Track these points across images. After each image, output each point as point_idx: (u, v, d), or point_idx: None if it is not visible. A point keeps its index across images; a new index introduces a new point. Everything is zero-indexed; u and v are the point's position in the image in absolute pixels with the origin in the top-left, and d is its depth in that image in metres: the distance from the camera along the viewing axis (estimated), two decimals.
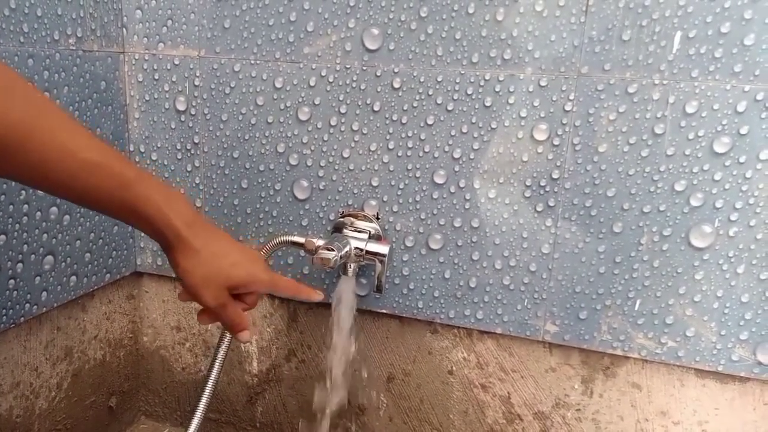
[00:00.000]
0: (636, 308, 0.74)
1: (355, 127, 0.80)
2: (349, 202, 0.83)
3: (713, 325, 0.72)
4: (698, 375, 0.75)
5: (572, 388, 0.81)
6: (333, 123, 0.81)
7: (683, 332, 0.73)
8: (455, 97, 0.75)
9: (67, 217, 0.81)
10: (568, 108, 0.71)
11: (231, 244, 0.59)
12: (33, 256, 0.77)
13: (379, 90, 0.78)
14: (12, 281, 0.74)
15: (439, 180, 0.78)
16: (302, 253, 0.86)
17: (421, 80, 0.76)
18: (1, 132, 0.42)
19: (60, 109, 0.47)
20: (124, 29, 0.87)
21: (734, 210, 0.68)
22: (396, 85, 0.77)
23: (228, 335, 0.78)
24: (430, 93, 0.76)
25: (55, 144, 0.45)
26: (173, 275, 0.95)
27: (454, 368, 0.86)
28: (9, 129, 0.42)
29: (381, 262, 0.79)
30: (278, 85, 0.82)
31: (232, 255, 0.58)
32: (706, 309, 0.72)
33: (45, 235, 0.78)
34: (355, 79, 0.79)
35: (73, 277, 0.84)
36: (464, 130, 0.76)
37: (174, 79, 0.87)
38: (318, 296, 0.66)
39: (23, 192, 0.74)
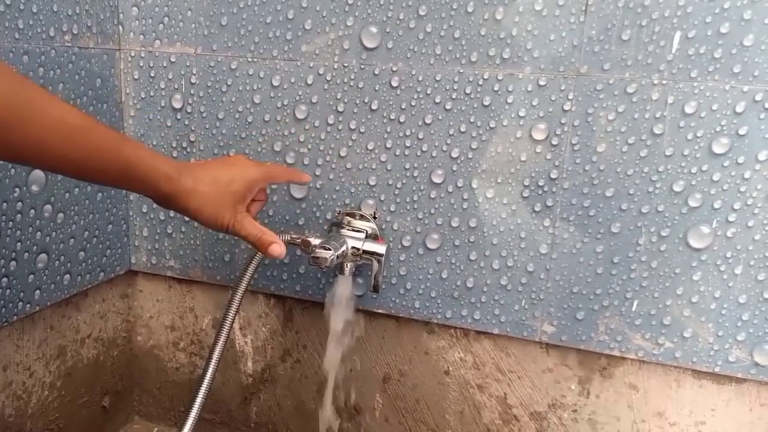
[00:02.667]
0: (633, 309, 0.74)
1: (352, 126, 0.80)
2: (347, 201, 0.83)
3: (710, 326, 0.72)
4: (695, 376, 0.75)
5: (569, 389, 0.81)
6: (330, 121, 0.81)
7: (680, 333, 0.73)
8: (454, 96, 0.75)
9: (61, 215, 0.80)
10: (566, 108, 0.71)
11: (218, 165, 0.63)
12: (26, 254, 0.76)
13: (377, 88, 0.78)
14: (5, 279, 0.73)
15: (436, 179, 0.78)
16: (299, 252, 0.85)
17: (420, 79, 0.76)
18: (3, 111, 0.43)
19: (35, 83, 0.49)
20: (120, 26, 0.87)
21: (732, 211, 0.68)
22: (394, 84, 0.77)
23: (223, 335, 0.78)
24: (429, 92, 0.76)
25: (52, 114, 0.47)
26: (168, 274, 0.95)
27: (450, 368, 0.85)
28: (10, 106, 0.44)
29: (378, 261, 0.79)
30: (275, 83, 0.82)
31: (224, 174, 0.62)
32: (703, 310, 0.71)
33: (38, 233, 0.77)
34: (353, 77, 0.78)
35: (67, 276, 0.83)
36: (462, 130, 0.76)
37: (170, 77, 0.87)
38: (307, 178, 0.75)
39: (17, 189, 0.73)
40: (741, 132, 0.66)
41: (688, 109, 0.67)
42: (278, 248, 0.64)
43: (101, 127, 0.52)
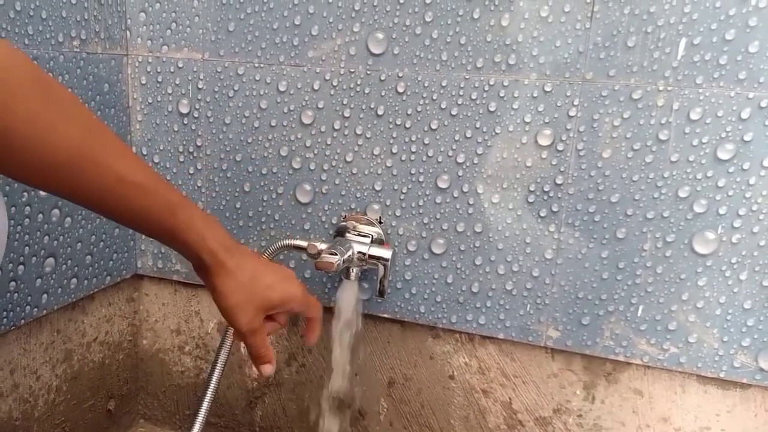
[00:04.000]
0: (639, 314, 0.74)
1: (358, 131, 0.80)
2: (352, 206, 0.83)
3: (715, 331, 0.72)
4: (700, 381, 0.75)
5: (574, 394, 0.81)
6: (336, 127, 0.81)
7: (685, 338, 0.73)
8: (459, 102, 0.75)
9: (68, 219, 0.81)
10: (572, 113, 0.72)
11: (266, 266, 0.60)
12: (34, 258, 0.76)
13: (383, 94, 0.78)
14: (13, 283, 0.74)
15: (442, 184, 0.78)
16: (304, 257, 0.86)
17: (426, 85, 0.76)
18: (60, 158, 0.43)
19: (111, 132, 0.48)
20: (128, 32, 0.87)
21: (738, 217, 0.68)
22: (400, 90, 0.77)
23: (229, 339, 0.78)
24: (435, 97, 0.76)
25: (109, 170, 0.46)
26: (174, 278, 0.95)
27: (455, 373, 0.85)
28: (67, 155, 0.43)
29: (383, 266, 0.79)
30: (282, 89, 0.82)
31: (267, 276, 0.59)
32: (708, 315, 0.72)
33: (46, 238, 0.78)
34: (359, 83, 0.79)
35: (74, 280, 0.84)
36: (468, 135, 0.76)
37: (177, 82, 0.87)
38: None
39: (25, 194, 0.73)
40: (746, 138, 0.66)
41: (694, 116, 0.67)
42: (270, 368, 0.63)
43: (161, 188, 0.51)
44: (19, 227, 0.73)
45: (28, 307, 0.77)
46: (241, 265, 0.57)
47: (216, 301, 0.59)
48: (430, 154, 0.78)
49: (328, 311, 0.82)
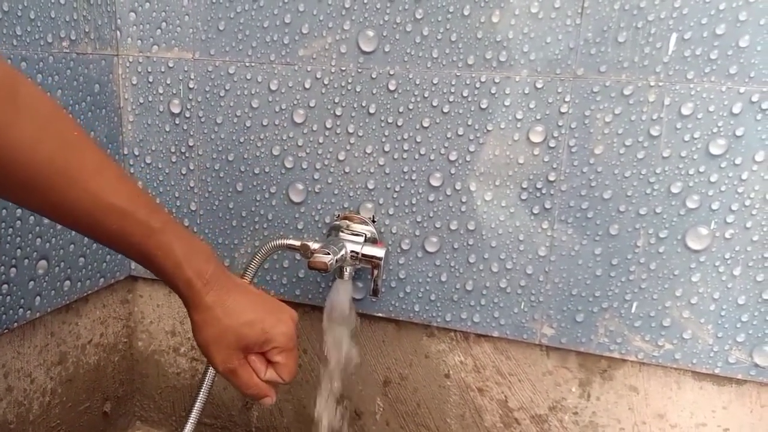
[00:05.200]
0: (633, 311, 0.74)
1: (350, 130, 0.80)
2: (345, 205, 0.83)
3: (710, 327, 0.71)
4: (695, 377, 0.75)
5: (569, 391, 0.80)
6: (328, 126, 0.81)
7: (680, 335, 0.73)
8: (451, 100, 0.75)
9: None
10: (563, 110, 0.71)
11: (251, 300, 0.55)
12: (26, 260, 0.76)
13: (374, 92, 0.78)
14: (5, 286, 0.74)
15: (435, 182, 0.78)
16: (298, 256, 0.85)
17: (417, 82, 0.76)
18: (28, 168, 0.40)
19: (93, 145, 0.46)
20: (118, 32, 0.87)
21: (730, 212, 0.68)
22: (391, 88, 0.77)
23: None
24: (426, 95, 0.76)
25: (83, 186, 0.44)
26: None
27: (450, 372, 0.85)
28: (37, 165, 0.41)
29: (377, 265, 0.79)
30: (273, 88, 0.82)
31: (248, 313, 0.54)
32: (702, 311, 0.71)
33: (38, 240, 0.77)
34: (350, 81, 0.79)
35: (67, 282, 0.83)
36: (460, 133, 0.76)
37: (168, 82, 0.87)
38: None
39: None
40: (738, 133, 0.66)
41: (685, 111, 0.67)
42: (269, 401, 0.58)
43: (139, 211, 0.48)
44: (11, 229, 0.73)
45: (21, 309, 0.76)
46: (219, 298, 0.53)
47: (193, 334, 0.55)
48: (422, 152, 0.78)
49: (322, 310, 0.82)
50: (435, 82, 0.75)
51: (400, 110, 0.77)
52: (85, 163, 0.44)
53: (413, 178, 0.79)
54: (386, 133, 0.79)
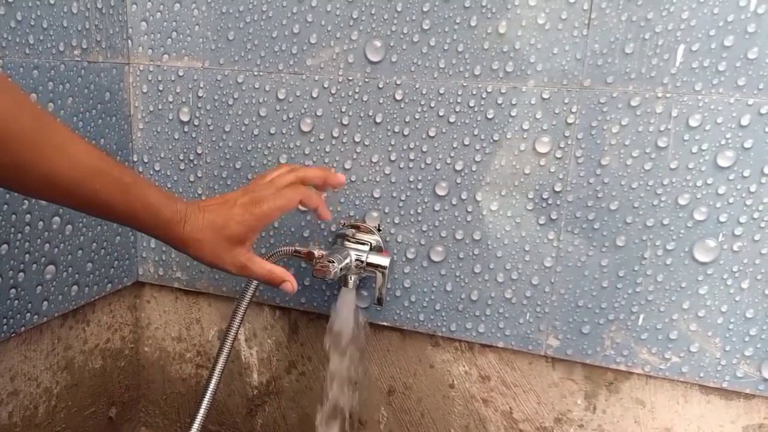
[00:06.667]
0: (639, 323, 0.73)
1: (357, 139, 0.80)
2: (351, 214, 0.83)
3: (717, 340, 0.71)
4: (703, 391, 0.74)
5: (575, 404, 0.80)
6: (335, 134, 0.81)
7: (687, 348, 0.72)
8: (457, 110, 0.75)
9: (69, 226, 0.81)
10: (570, 121, 0.71)
11: (219, 208, 0.61)
12: (34, 265, 0.77)
13: (381, 102, 0.78)
14: (13, 290, 0.74)
15: (441, 192, 0.78)
16: (303, 263, 0.86)
17: (424, 92, 0.76)
18: (15, 143, 0.44)
19: (58, 122, 0.50)
20: (129, 41, 0.88)
21: (738, 224, 0.67)
22: (398, 97, 0.77)
23: (227, 346, 0.78)
24: (432, 105, 0.76)
25: (64, 153, 0.48)
26: (175, 285, 0.96)
27: (455, 382, 0.85)
28: (22, 141, 0.44)
29: (382, 274, 0.79)
30: (281, 97, 0.83)
31: (220, 217, 0.60)
32: (710, 324, 0.71)
33: (47, 245, 0.78)
34: (357, 90, 0.79)
35: (75, 287, 0.84)
36: (466, 143, 0.76)
37: (178, 90, 0.88)
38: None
39: (26, 201, 0.74)
40: (746, 145, 0.66)
41: (693, 122, 0.67)
42: (289, 286, 0.65)
43: (113, 170, 0.52)
44: (20, 234, 0.74)
45: (28, 314, 0.77)
46: (195, 225, 0.58)
47: (198, 261, 0.61)
48: (428, 162, 0.78)
49: (327, 319, 0.82)
50: (441, 92, 0.75)
51: (407, 120, 0.78)
52: (59, 133, 0.48)
53: (419, 187, 0.79)
54: (392, 143, 0.79)
